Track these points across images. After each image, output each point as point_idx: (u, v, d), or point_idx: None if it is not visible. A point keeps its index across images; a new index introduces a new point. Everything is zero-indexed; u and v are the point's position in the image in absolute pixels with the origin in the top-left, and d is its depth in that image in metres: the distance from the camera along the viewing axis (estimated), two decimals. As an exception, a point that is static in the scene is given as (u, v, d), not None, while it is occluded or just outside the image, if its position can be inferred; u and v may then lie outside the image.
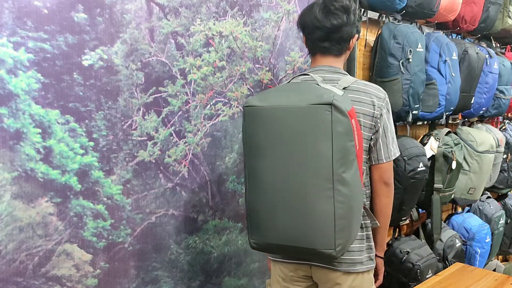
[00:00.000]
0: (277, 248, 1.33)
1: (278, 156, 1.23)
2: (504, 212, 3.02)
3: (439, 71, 2.22)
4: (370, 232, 1.43)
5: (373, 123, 1.37)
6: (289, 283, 1.50)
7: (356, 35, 1.42)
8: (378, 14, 2.17)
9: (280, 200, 1.24)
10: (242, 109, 1.41)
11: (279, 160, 1.23)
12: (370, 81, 2.16)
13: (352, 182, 1.21)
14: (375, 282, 1.52)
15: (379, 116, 1.37)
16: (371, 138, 1.39)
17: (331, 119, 1.16)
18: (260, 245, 1.33)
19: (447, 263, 2.41)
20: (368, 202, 1.45)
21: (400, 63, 2.00)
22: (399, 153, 1.45)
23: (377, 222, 1.43)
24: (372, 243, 1.44)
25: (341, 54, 1.43)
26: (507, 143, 2.98)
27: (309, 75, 1.37)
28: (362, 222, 1.41)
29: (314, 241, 1.22)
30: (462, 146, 2.45)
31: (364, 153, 1.38)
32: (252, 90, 1.77)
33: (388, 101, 1.41)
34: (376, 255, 1.49)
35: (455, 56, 2.30)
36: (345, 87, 1.35)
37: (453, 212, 2.91)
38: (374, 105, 1.36)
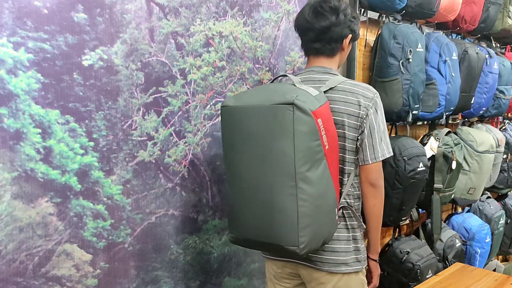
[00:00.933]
0: (250, 243, 1.37)
1: (248, 154, 1.28)
2: (504, 212, 3.02)
3: (439, 71, 2.22)
4: (358, 234, 1.43)
5: (358, 123, 1.36)
6: (279, 280, 1.53)
7: (350, 35, 1.42)
8: (378, 14, 2.17)
9: (250, 196, 1.29)
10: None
11: (249, 158, 1.28)
12: (370, 81, 2.16)
13: (318, 181, 1.22)
14: (369, 284, 1.51)
15: (364, 116, 1.35)
16: (358, 139, 1.37)
17: (293, 118, 1.18)
18: (236, 239, 1.38)
19: (447, 263, 2.41)
20: (358, 204, 1.44)
21: (400, 63, 2.00)
22: (391, 154, 1.41)
23: (363, 224, 1.43)
24: (361, 245, 1.43)
25: (334, 55, 1.44)
26: (507, 143, 2.98)
27: (287, 76, 1.39)
28: (348, 223, 1.41)
29: (279, 237, 1.25)
30: (462, 146, 2.45)
31: (350, 154, 1.39)
32: (252, 90, 1.77)
33: (378, 101, 1.38)
34: (369, 257, 1.49)
35: (455, 56, 2.30)
36: (332, 87, 1.36)
37: (453, 212, 2.91)
38: (360, 105, 1.35)
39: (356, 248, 1.42)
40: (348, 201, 1.41)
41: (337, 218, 1.33)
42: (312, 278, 1.44)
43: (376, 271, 1.52)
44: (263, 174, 1.25)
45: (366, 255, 1.46)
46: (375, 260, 1.50)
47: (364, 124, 1.36)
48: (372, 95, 1.38)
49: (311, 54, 1.46)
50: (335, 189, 1.29)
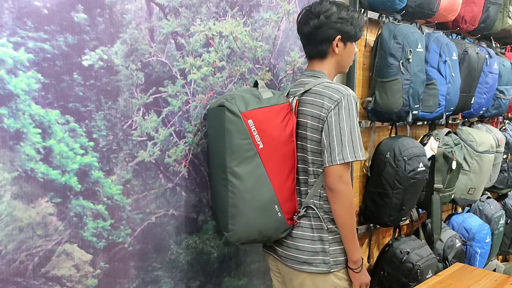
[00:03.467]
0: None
1: (210, 150, 1.52)
2: (504, 212, 3.02)
3: (439, 71, 2.23)
4: (326, 235, 1.41)
5: (320, 125, 1.37)
6: (273, 273, 1.61)
7: (338, 36, 1.44)
8: (378, 14, 2.17)
9: (212, 187, 1.54)
10: None
11: (211, 153, 1.53)
12: (370, 81, 2.16)
13: (247, 177, 1.34)
14: None
15: (325, 118, 1.35)
16: (321, 141, 1.37)
17: (224, 118, 1.34)
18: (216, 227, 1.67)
19: (447, 263, 2.42)
20: (328, 206, 1.41)
21: (400, 63, 2.00)
22: (359, 159, 1.34)
23: (325, 225, 1.41)
24: (330, 247, 1.41)
25: (324, 57, 1.48)
26: (507, 143, 2.98)
27: (257, 81, 1.51)
28: (313, 223, 1.43)
29: (220, 222, 1.49)
30: (462, 146, 2.45)
31: (314, 155, 1.40)
32: (252, 90, 1.76)
33: (345, 102, 1.33)
34: (347, 265, 1.43)
35: (455, 56, 2.30)
36: (307, 90, 1.42)
37: (453, 212, 2.91)
38: (323, 107, 1.37)
39: (323, 249, 1.41)
40: (315, 201, 1.42)
41: (280, 214, 1.38)
42: (284, 273, 1.50)
43: (355, 281, 1.43)
44: (214, 167, 1.48)
45: (341, 258, 1.42)
46: (352, 269, 1.42)
47: (324, 126, 1.36)
48: (339, 96, 1.35)
49: (307, 58, 1.54)
50: (273, 186, 1.36)
